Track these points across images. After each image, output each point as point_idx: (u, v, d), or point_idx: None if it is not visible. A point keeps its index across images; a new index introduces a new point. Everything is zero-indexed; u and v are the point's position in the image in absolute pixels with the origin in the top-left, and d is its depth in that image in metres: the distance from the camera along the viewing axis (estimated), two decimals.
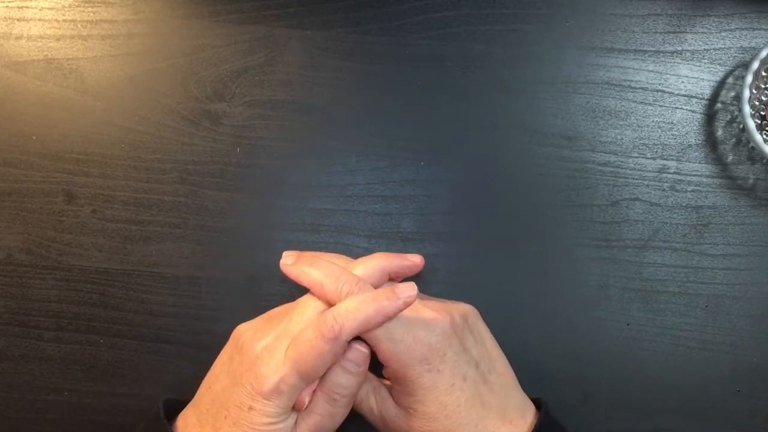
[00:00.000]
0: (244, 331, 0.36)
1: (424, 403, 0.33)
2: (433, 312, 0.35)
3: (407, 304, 0.33)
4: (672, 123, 0.41)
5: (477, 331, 0.36)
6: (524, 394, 0.36)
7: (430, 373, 0.33)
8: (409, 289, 0.33)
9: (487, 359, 0.35)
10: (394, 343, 0.33)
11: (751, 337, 0.41)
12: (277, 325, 0.35)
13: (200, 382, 0.36)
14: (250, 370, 0.33)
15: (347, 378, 0.34)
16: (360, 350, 0.35)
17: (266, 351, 0.33)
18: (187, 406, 0.36)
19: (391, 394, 0.36)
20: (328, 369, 0.34)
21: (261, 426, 0.33)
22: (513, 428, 0.34)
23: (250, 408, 0.33)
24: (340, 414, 0.35)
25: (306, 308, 0.35)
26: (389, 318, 0.33)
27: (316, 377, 0.34)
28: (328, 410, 0.35)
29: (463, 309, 0.37)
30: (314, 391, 0.35)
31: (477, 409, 0.34)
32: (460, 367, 0.34)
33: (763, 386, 0.41)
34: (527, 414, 0.35)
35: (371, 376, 0.37)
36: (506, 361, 0.37)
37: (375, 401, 0.36)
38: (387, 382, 0.37)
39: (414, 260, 0.40)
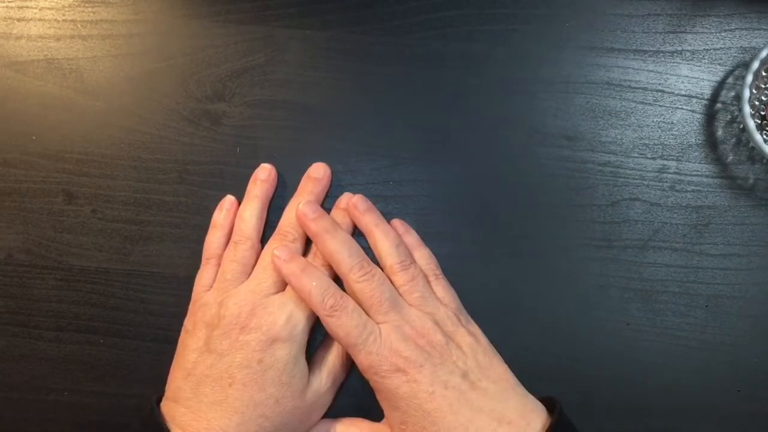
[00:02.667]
0: (210, 305, 0.37)
1: (408, 413, 0.34)
2: (413, 330, 0.36)
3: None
4: (672, 123, 0.41)
5: (468, 346, 0.36)
6: (528, 395, 0.36)
7: (408, 384, 0.34)
8: (347, 197, 0.40)
9: (478, 370, 0.36)
10: (371, 356, 0.35)
11: (751, 337, 0.41)
12: (241, 282, 0.38)
13: None
14: (247, 326, 0.36)
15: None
16: None
17: (257, 306, 0.36)
18: (163, 406, 0.36)
19: (386, 419, 0.37)
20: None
21: (275, 372, 0.35)
22: (511, 428, 0.34)
23: (260, 360, 0.35)
24: (348, 368, 0.39)
25: (265, 258, 0.38)
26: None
27: None
28: (338, 361, 0.39)
29: (453, 325, 0.37)
30: (322, 348, 0.39)
31: (465, 413, 0.34)
32: (440, 376, 0.34)
33: (763, 386, 0.41)
34: (531, 414, 0.35)
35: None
36: (505, 367, 0.37)
37: None
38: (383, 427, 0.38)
39: (316, 175, 0.40)
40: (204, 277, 0.39)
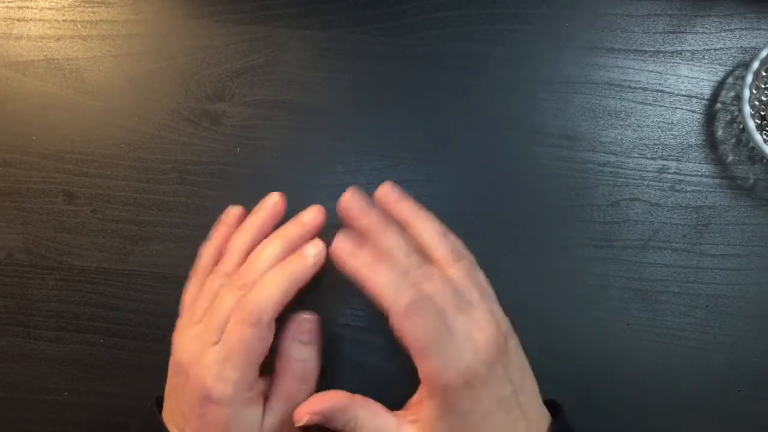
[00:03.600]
0: (177, 331, 0.36)
1: (455, 428, 0.31)
2: (482, 335, 0.32)
3: (318, 264, 0.34)
4: (672, 123, 0.41)
5: (517, 350, 0.34)
6: (541, 400, 0.35)
7: (469, 400, 0.30)
8: (314, 245, 0.35)
9: (521, 380, 0.33)
10: (439, 363, 0.30)
11: (751, 337, 0.41)
12: (199, 321, 0.35)
13: None
14: (188, 378, 0.33)
15: (302, 350, 0.35)
16: (307, 319, 0.35)
17: (195, 355, 0.33)
18: (164, 406, 0.36)
19: (423, 421, 0.32)
20: (285, 346, 0.35)
21: (219, 428, 0.33)
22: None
23: (202, 415, 0.33)
24: (306, 393, 0.35)
25: (224, 299, 0.34)
26: (304, 282, 0.34)
27: (254, 365, 0.33)
28: (292, 391, 0.35)
29: (508, 328, 0.34)
30: (275, 376, 0.35)
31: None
32: (497, 393, 0.31)
33: (763, 386, 0.41)
34: (542, 420, 0.34)
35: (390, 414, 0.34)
36: (532, 374, 0.35)
37: None
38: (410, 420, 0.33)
39: (304, 219, 0.36)
40: (189, 292, 0.38)
